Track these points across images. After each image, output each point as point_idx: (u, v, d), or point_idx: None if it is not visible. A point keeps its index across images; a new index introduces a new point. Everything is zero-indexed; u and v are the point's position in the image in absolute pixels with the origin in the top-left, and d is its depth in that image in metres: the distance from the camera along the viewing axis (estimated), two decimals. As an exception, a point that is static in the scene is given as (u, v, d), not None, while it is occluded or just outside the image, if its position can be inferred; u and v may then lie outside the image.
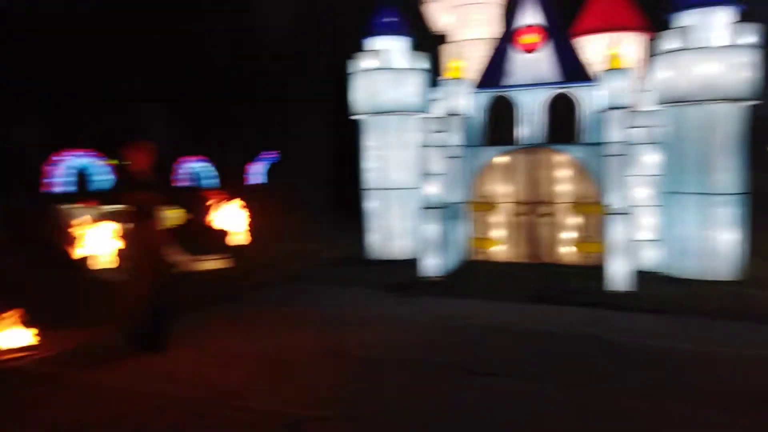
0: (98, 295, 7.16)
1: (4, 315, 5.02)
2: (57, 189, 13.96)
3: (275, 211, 18.49)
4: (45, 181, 14.21)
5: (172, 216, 9.09)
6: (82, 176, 14.74)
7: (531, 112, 9.26)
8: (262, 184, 23.42)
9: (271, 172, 24.11)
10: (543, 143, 9.16)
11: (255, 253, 10.48)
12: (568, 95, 9.08)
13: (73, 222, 8.65)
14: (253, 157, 24.05)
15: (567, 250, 9.09)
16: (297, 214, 18.80)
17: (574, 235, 9.04)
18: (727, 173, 7.89)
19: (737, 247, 7.97)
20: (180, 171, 18.55)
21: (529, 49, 9.32)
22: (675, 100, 8.05)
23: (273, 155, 24.41)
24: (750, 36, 7.75)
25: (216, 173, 19.52)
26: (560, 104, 9.16)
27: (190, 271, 8.68)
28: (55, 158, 14.31)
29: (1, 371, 4.51)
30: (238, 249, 9.04)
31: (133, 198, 5.02)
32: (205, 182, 19.38)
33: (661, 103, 8.31)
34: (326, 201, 20.16)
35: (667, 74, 8.10)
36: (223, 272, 8.79)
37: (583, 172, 8.87)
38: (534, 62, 9.29)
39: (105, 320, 5.94)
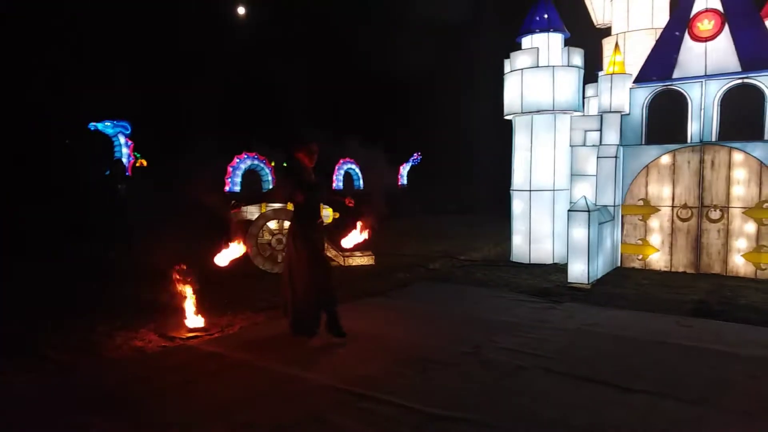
0: (258, 283, 7.96)
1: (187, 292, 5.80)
2: (232, 188, 15.81)
3: (417, 211, 18.91)
4: (227, 180, 16.17)
5: (326, 215, 9.77)
6: (251, 177, 16.48)
7: (701, 106, 8.32)
8: (404, 186, 24.08)
9: (411, 174, 24.69)
10: (715, 141, 8.19)
11: (397, 252, 10.84)
12: (753, 85, 7.99)
13: (242, 218, 9.76)
14: (403, 159, 24.81)
15: (737, 261, 8.02)
16: (440, 214, 19.02)
17: (748, 244, 7.94)
18: None
19: None
20: (336, 173, 19.77)
21: (705, 37, 8.36)
22: None
23: (415, 157, 24.94)
24: None
25: (361, 175, 20.47)
26: (737, 97, 8.10)
27: (338, 266, 9.25)
28: (237, 159, 16.22)
29: (180, 348, 5.22)
30: (375, 247, 9.39)
31: (301, 196, 5.25)
32: (355, 183, 20.47)
33: None
34: (470, 202, 20.10)
35: None
36: (367, 269, 9.23)
37: (764, 172, 7.76)
38: (709, 51, 8.33)
39: (264, 307, 6.60)
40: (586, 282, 7.72)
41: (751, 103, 8.04)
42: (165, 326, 5.77)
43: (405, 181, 24.52)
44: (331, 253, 9.33)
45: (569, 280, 7.86)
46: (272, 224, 9.11)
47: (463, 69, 21.35)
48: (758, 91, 7.94)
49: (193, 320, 5.71)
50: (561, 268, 8.64)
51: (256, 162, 16.36)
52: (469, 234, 13.92)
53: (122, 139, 17.52)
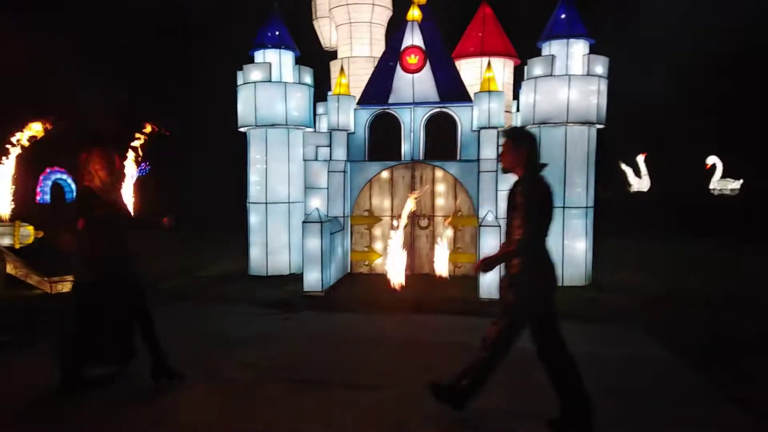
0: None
1: None
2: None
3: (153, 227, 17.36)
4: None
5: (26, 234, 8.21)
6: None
7: (412, 129, 9.57)
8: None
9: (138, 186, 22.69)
10: (422, 159, 9.50)
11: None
12: (449, 114, 9.49)
13: None
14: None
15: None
16: (176, 229, 17.82)
17: (450, 247, 9.44)
18: (581, 188, 8.75)
19: (588, 254, 8.87)
20: (41, 185, 16.82)
21: (412, 70, 9.63)
22: (540, 122, 8.79)
23: (142, 167, 22.95)
24: (600, 67, 8.71)
25: (75, 187, 17.98)
26: (443, 122, 9.54)
27: (44, 294, 7.85)
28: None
29: None
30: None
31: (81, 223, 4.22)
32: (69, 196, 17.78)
33: (527, 124, 9.02)
34: (208, 216, 19.33)
35: (534, 97, 8.83)
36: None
37: (458, 187, 9.33)
38: (416, 82, 9.61)
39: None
40: (320, 290, 8.13)
41: (450, 128, 9.57)
42: None
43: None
44: (33, 279, 7.85)
45: (305, 289, 8.16)
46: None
47: (197, 76, 20.48)
48: (453, 119, 9.52)
49: None
50: (298, 278, 8.91)
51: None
52: (205, 249, 13.34)
53: None
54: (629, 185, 29.82)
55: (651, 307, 7.41)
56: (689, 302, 7.78)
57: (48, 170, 16.31)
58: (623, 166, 29.75)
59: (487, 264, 3.59)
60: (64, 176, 16.92)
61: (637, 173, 29.77)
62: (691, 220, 17.85)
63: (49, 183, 16.23)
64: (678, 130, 27.70)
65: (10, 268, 7.50)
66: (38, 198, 16.00)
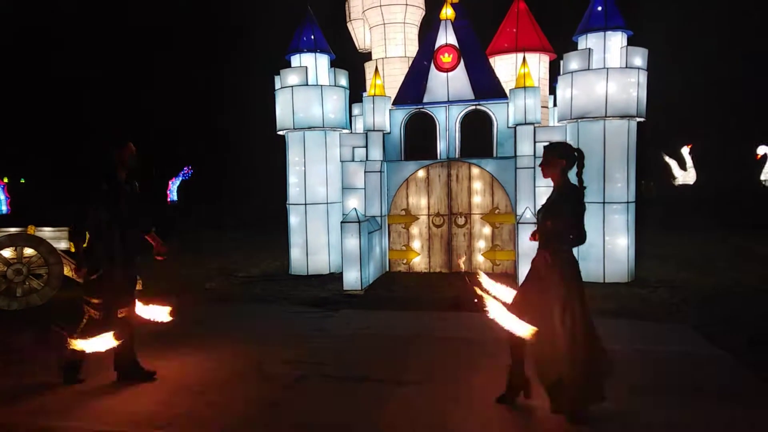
0: None
1: None
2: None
3: (190, 227, 17.89)
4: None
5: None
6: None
7: (447, 127, 9.59)
8: (175, 202, 22.62)
9: (183, 189, 23.31)
10: (458, 158, 9.50)
11: (169, 273, 10.10)
12: (484, 111, 9.46)
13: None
14: (174, 174, 23.19)
15: (479, 259, 9.46)
16: (216, 230, 18.33)
17: (486, 244, 9.42)
18: (622, 183, 8.57)
19: (630, 250, 8.67)
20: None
21: (446, 68, 9.65)
22: (577, 116, 8.66)
23: (185, 171, 23.58)
24: (639, 59, 8.52)
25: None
26: (478, 120, 9.52)
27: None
28: None
29: None
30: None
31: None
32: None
33: (564, 119, 8.90)
34: (248, 217, 19.79)
35: (571, 92, 8.70)
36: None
37: (495, 184, 9.29)
38: (450, 80, 9.62)
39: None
40: (360, 288, 8.25)
41: (486, 125, 9.54)
42: None
43: (175, 197, 22.99)
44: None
45: (345, 288, 8.30)
46: (7, 252, 7.68)
47: (235, 83, 20.98)
48: (488, 116, 9.49)
49: None
50: (337, 277, 9.07)
51: None
52: (247, 249, 13.68)
53: None
54: (674, 178, 28.91)
55: (698, 303, 7.23)
56: (737, 298, 7.55)
57: None
58: (667, 159, 28.86)
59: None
60: None
61: (682, 165, 28.83)
62: (739, 213, 17.22)
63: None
64: (726, 120, 26.72)
65: (66, 270, 7.90)
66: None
